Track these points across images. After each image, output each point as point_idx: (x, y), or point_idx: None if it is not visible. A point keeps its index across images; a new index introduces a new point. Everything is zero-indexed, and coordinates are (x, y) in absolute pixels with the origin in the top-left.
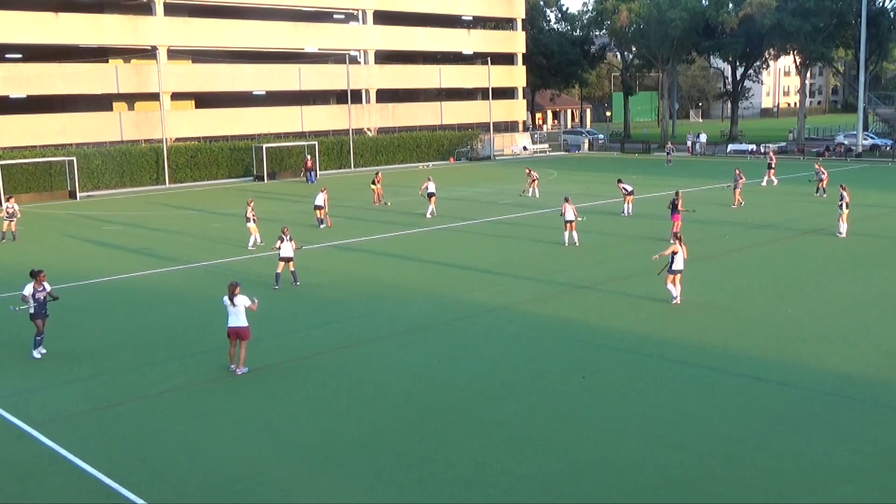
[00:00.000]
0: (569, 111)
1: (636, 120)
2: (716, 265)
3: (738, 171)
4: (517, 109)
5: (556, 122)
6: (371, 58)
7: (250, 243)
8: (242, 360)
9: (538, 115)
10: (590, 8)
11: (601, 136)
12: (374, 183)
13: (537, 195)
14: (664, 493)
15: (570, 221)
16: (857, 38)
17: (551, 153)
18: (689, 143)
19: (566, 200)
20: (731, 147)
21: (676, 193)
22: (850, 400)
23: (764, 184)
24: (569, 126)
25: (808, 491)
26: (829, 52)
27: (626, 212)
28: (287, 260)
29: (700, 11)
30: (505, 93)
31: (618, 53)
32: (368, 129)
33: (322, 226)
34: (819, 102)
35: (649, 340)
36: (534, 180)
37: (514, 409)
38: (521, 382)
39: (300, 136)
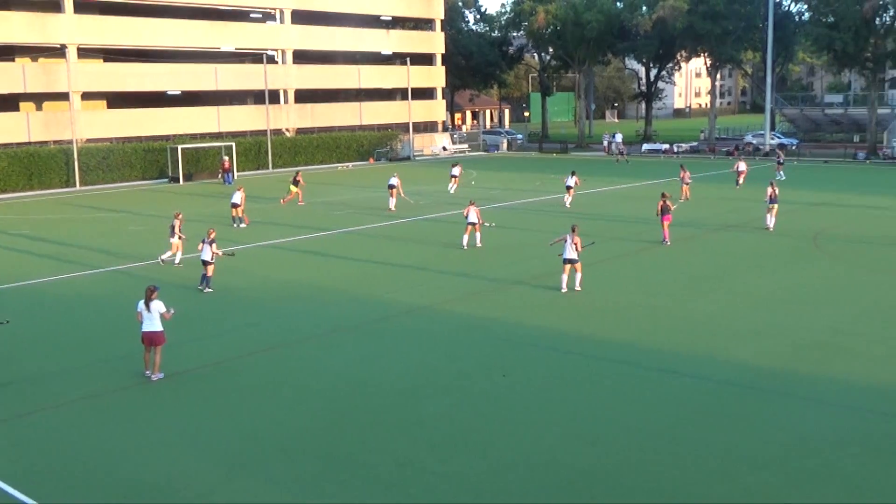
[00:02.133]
0: (488, 111)
1: (554, 120)
2: (631, 262)
3: (682, 168)
4: (436, 110)
5: (475, 122)
6: (289, 57)
7: (166, 255)
8: (158, 366)
9: (457, 116)
10: (507, 9)
11: (520, 136)
12: (294, 183)
13: (451, 192)
14: (582, 488)
15: (473, 224)
16: (764, 41)
17: (471, 153)
18: (605, 143)
19: (471, 203)
20: (645, 146)
21: (663, 195)
22: (759, 391)
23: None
24: (488, 126)
25: (719, 480)
26: (738, 54)
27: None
28: (203, 264)
29: (615, 14)
30: (424, 93)
31: (535, 54)
32: (287, 130)
33: (241, 225)
34: (729, 103)
35: (567, 337)
36: (455, 177)
37: (435, 409)
38: (441, 382)
39: (217, 136)
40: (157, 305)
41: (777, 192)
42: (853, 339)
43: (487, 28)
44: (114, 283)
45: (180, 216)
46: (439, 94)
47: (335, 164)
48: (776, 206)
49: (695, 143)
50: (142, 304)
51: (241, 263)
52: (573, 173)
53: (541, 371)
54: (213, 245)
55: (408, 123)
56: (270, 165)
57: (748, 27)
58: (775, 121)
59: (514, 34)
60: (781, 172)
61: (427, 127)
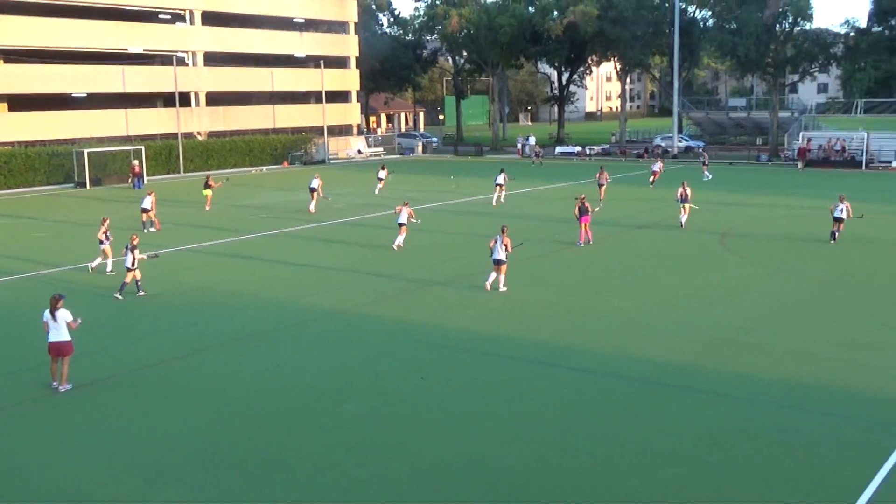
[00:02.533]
0: (402, 114)
1: (468, 123)
2: (548, 262)
3: (602, 169)
4: (351, 113)
5: (390, 125)
6: (200, 59)
7: (95, 263)
8: (65, 377)
9: (372, 119)
10: (421, 13)
11: (435, 139)
12: (206, 186)
13: (376, 193)
14: (502, 488)
15: (403, 224)
16: (670, 47)
17: (386, 156)
18: (519, 146)
19: (404, 204)
20: (558, 149)
21: (582, 197)
22: (671, 388)
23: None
24: (403, 129)
25: (633, 475)
26: (647, 59)
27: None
28: (127, 270)
29: (527, 18)
30: (338, 96)
31: (449, 58)
32: (198, 133)
33: (151, 229)
34: (638, 107)
35: (485, 338)
36: (381, 179)
37: (354, 412)
38: (360, 385)
39: (125, 140)
40: (64, 314)
41: (688, 191)
42: (759, 336)
43: (401, 31)
44: (18, 292)
45: (107, 222)
46: (354, 97)
47: (249, 167)
48: (688, 204)
49: (606, 146)
50: (47, 313)
51: (154, 269)
52: (502, 171)
53: (459, 372)
54: (136, 251)
55: (322, 127)
56: (182, 169)
57: (656, 32)
58: (682, 124)
59: (428, 38)
60: (707, 173)
61: (342, 130)
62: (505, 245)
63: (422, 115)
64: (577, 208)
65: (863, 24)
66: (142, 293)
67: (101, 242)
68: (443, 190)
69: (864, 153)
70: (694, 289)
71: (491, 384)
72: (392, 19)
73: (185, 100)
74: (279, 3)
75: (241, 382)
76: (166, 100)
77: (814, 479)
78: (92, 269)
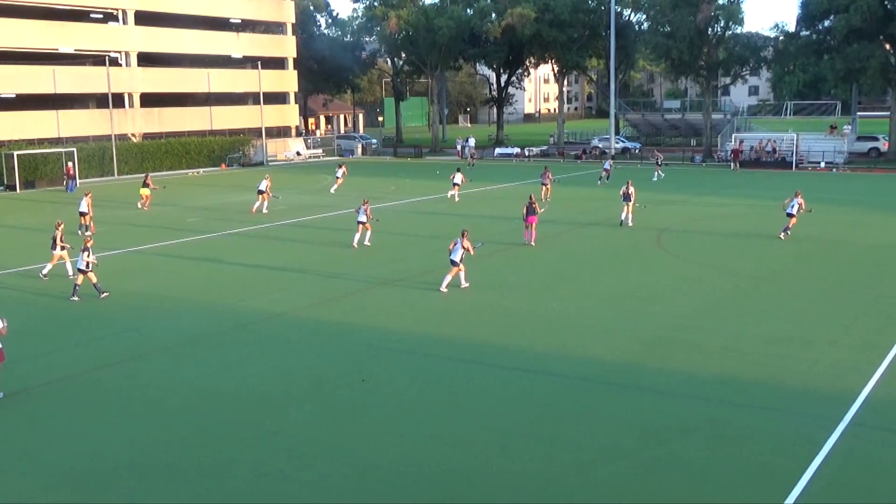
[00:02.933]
0: (342, 116)
1: (408, 125)
2: (489, 263)
3: (546, 169)
4: (289, 114)
5: (329, 127)
6: (133, 60)
7: (46, 269)
8: None
9: (311, 121)
10: (360, 14)
11: (374, 140)
12: (144, 185)
13: (332, 192)
14: (444, 488)
15: (363, 222)
16: (607, 49)
17: (325, 158)
18: (458, 148)
19: (364, 202)
20: (497, 151)
21: (531, 197)
22: (610, 385)
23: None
24: (342, 131)
25: (573, 473)
26: (584, 61)
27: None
28: (79, 272)
29: (466, 20)
30: (277, 97)
31: (388, 59)
32: (133, 135)
33: (87, 232)
34: (576, 108)
35: (426, 339)
36: (339, 178)
37: (294, 417)
38: (300, 389)
39: (56, 142)
40: None
41: (632, 190)
42: (694, 333)
43: (340, 32)
44: None
45: (62, 226)
46: (292, 98)
47: (185, 170)
48: (630, 203)
49: (545, 147)
50: None
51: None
52: (458, 170)
53: (400, 375)
54: (86, 253)
55: (260, 128)
56: (116, 172)
57: (592, 35)
58: (619, 125)
59: (367, 39)
60: (660, 172)
61: (280, 132)
62: (466, 248)
63: (361, 116)
64: (525, 207)
65: (791, 28)
66: (104, 294)
67: (54, 247)
68: (384, 191)
69: (794, 154)
70: (631, 288)
71: (432, 386)
72: (330, 20)
73: (118, 101)
74: (215, 4)
75: (178, 389)
76: (99, 101)
77: (748, 473)
78: (44, 276)
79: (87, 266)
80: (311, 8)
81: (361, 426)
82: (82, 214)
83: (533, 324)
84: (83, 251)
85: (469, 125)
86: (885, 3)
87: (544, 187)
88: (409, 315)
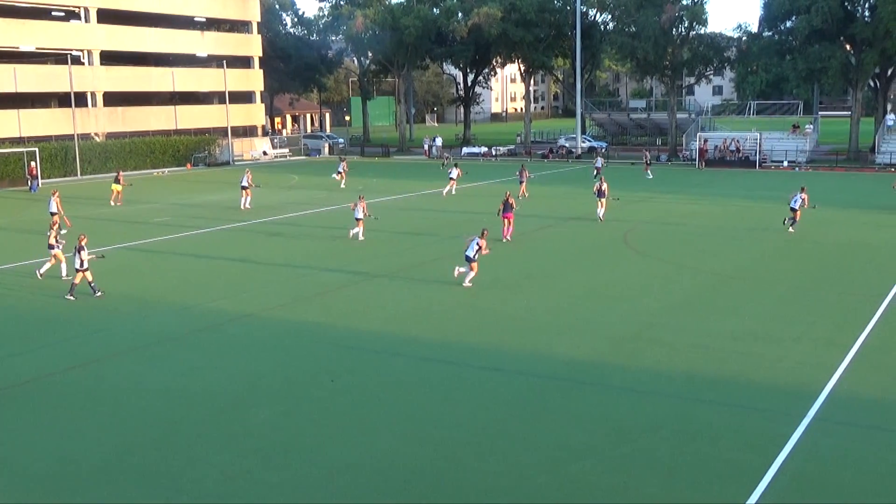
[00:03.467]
0: (308, 115)
1: (375, 124)
2: (457, 262)
3: (523, 167)
4: (255, 114)
5: (295, 126)
6: (96, 58)
7: (43, 269)
8: None
9: (277, 120)
10: (326, 13)
11: (341, 140)
12: (116, 182)
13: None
14: (416, 488)
15: (359, 219)
16: (573, 49)
17: (292, 158)
18: (426, 147)
19: (360, 198)
20: (465, 150)
21: (507, 194)
22: (580, 384)
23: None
24: (308, 130)
25: (543, 471)
26: (550, 60)
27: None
28: (76, 271)
29: (432, 20)
30: (242, 97)
31: (355, 58)
32: (96, 135)
33: (62, 231)
34: (543, 108)
35: (396, 339)
36: (340, 173)
37: (264, 418)
38: (270, 390)
39: (18, 141)
40: None
41: (605, 186)
42: (662, 331)
43: (306, 31)
44: None
45: (56, 226)
46: (258, 97)
47: (150, 169)
48: (604, 199)
49: (512, 147)
50: None
51: (48, 276)
52: (456, 165)
53: (370, 374)
54: (83, 251)
55: (226, 128)
56: (79, 172)
57: (558, 35)
58: (586, 125)
59: (333, 38)
60: (649, 172)
61: (246, 131)
62: (480, 246)
63: (328, 116)
64: (501, 204)
65: (754, 29)
66: (99, 293)
67: (52, 247)
68: (352, 190)
69: (758, 153)
70: (599, 286)
71: (402, 385)
72: (296, 19)
73: (81, 100)
74: (179, 2)
75: (146, 391)
76: (61, 100)
77: (715, 469)
78: (41, 274)
79: (83, 264)
80: (277, 6)
81: (331, 427)
82: (52, 214)
83: (503, 322)
84: (80, 250)
85: (436, 124)
86: (846, 4)
87: (521, 185)
88: (379, 314)
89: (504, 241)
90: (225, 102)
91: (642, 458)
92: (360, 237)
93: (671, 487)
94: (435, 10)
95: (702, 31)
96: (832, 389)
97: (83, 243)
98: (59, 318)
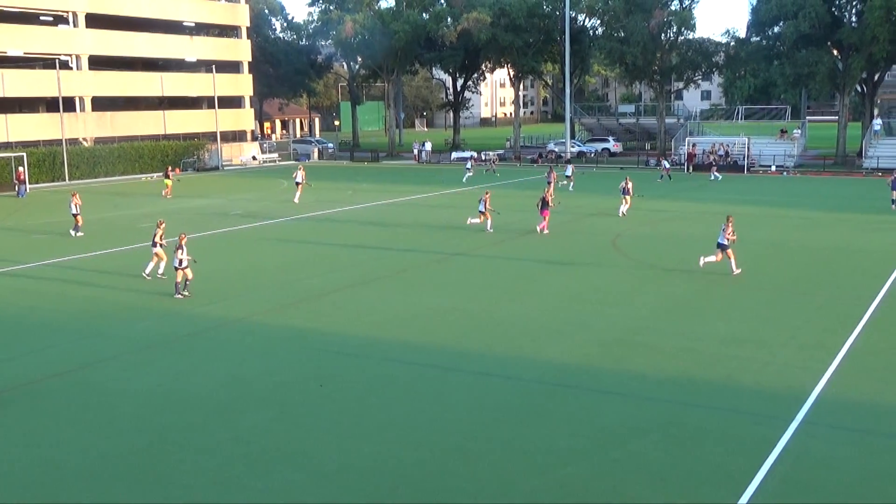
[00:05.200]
0: (297, 120)
1: (364, 129)
2: (446, 266)
3: (551, 168)
4: (244, 118)
5: (284, 131)
6: (84, 63)
7: (149, 268)
8: None
9: (266, 125)
10: (315, 18)
11: (331, 145)
12: (167, 176)
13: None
14: (404, 493)
15: (482, 212)
16: (562, 54)
17: (281, 163)
18: (415, 152)
19: (486, 193)
20: (454, 155)
21: (546, 190)
22: (568, 388)
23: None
24: (298, 135)
25: (534, 475)
26: (539, 65)
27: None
28: (175, 269)
29: (421, 25)
30: (231, 101)
31: (344, 63)
32: (84, 139)
33: (79, 233)
34: (532, 112)
35: (384, 344)
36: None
37: (252, 423)
38: (258, 395)
39: (6, 146)
40: None
41: (630, 185)
42: (650, 335)
43: (295, 36)
44: None
45: (163, 225)
46: (247, 102)
47: (138, 174)
48: (629, 196)
49: (501, 151)
50: None
51: (36, 281)
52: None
53: (358, 379)
54: (181, 251)
55: (215, 133)
56: (67, 177)
57: (547, 40)
58: (575, 130)
59: (323, 43)
60: (669, 175)
61: (235, 136)
62: (724, 231)
63: (317, 120)
64: (539, 201)
65: (742, 34)
66: (185, 293)
67: (155, 245)
68: (342, 195)
69: (746, 158)
70: (588, 290)
71: (391, 390)
72: (285, 24)
73: (69, 105)
74: (168, 7)
75: (133, 396)
76: (49, 104)
77: (704, 473)
78: (146, 274)
79: (182, 263)
80: (266, 11)
81: (320, 432)
82: (74, 216)
83: (490, 327)
84: (177, 248)
85: (425, 129)
86: (833, 9)
87: (549, 185)
88: (367, 319)
89: (544, 233)
90: (214, 107)
91: (632, 463)
92: (489, 229)
93: (661, 491)
94: (424, 14)
95: (690, 36)
96: (820, 393)
97: (183, 242)
98: (47, 323)
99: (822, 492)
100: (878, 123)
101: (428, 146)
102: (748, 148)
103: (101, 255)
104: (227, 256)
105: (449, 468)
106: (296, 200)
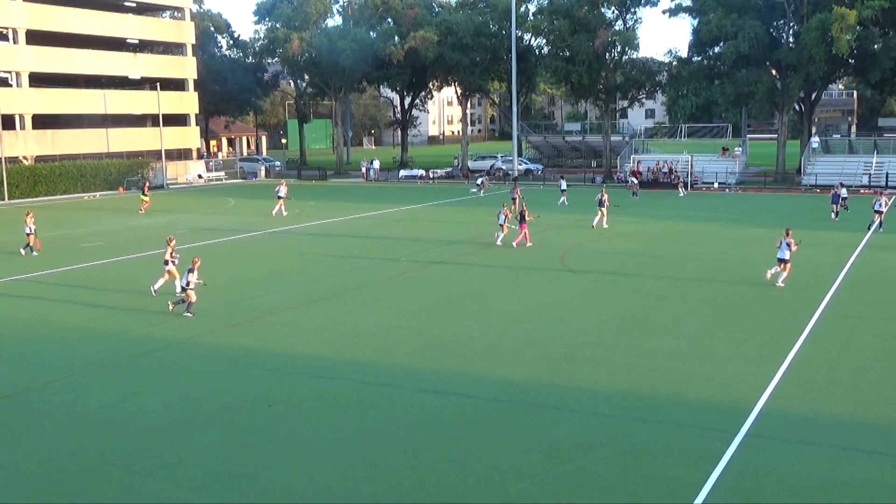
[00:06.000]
0: (244, 138)
1: (312, 147)
2: (395, 284)
3: (515, 186)
4: (190, 136)
5: (231, 149)
6: (25, 80)
7: (158, 284)
8: None
9: (213, 143)
10: (262, 35)
11: (278, 163)
12: (143, 193)
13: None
14: None
15: (501, 224)
16: (508, 73)
17: (228, 181)
18: (363, 170)
19: (518, 197)
20: (402, 173)
21: (522, 205)
22: (517, 404)
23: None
24: (245, 153)
25: (485, 492)
26: (486, 84)
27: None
28: (182, 289)
29: (369, 43)
30: (177, 119)
31: (291, 81)
32: (24, 158)
33: (34, 252)
34: (479, 130)
35: (333, 363)
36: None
37: (198, 445)
38: (204, 416)
39: None
40: None
41: (606, 197)
42: (598, 350)
43: (241, 54)
44: None
45: (173, 242)
46: (192, 120)
47: (81, 193)
48: (604, 208)
49: (449, 169)
50: None
51: None
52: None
53: (308, 399)
54: (192, 273)
55: (160, 151)
56: (6, 196)
57: (494, 59)
58: (522, 147)
59: (269, 61)
60: (636, 194)
61: (181, 154)
62: (789, 244)
63: (264, 138)
64: (518, 215)
65: (684, 54)
66: (188, 314)
67: (167, 263)
68: (288, 216)
69: (689, 175)
70: (537, 306)
71: (340, 409)
72: (231, 42)
73: (8, 122)
74: (112, 24)
75: (74, 420)
76: None
77: (652, 486)
78: (155, 291)
79: (189, 284)
80: (212, 29)
81: (269, 453)
82: (27, 235)
83: (440, 345)
84: (189, 271)
85: (373, 147)
86: (771, 31)
87: (514, 202)
88: (316, 338)
89: (527, 245)
90: (159, 125)
91: (580, 478)
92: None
93: None
94: (372, 33)
95: (634, 56)
96: (763, 405)
97: (196, 266)
98: None
99: (766, 502)
100: (815, 141)
101: (376, 164)
102: (691, 165)
103: (46, 274)
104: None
105: (400, 487)
106: (274, 214)
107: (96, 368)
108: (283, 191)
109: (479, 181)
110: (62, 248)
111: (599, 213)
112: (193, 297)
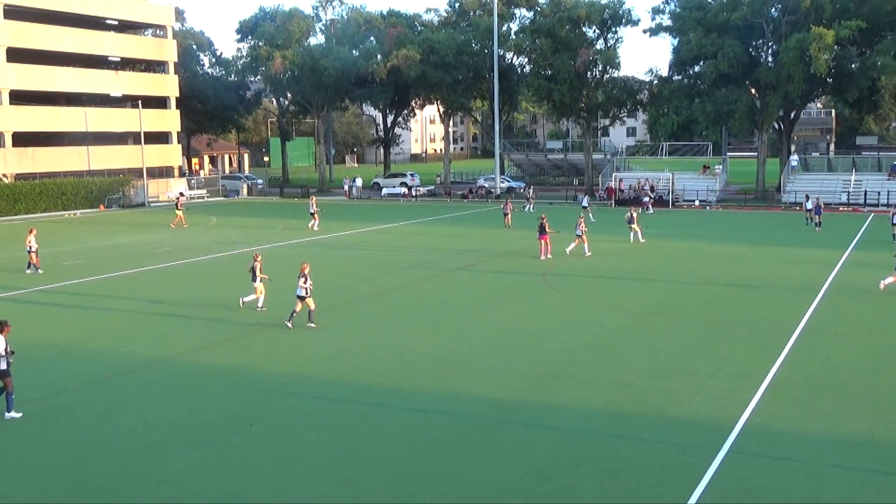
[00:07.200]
0: (227, 156)
1: (294, 165)
2: (377, 302)
3: (507, 200)
4: (172, 154)
5: (213, 167)
6: (5, 98)
7: (248, 298)
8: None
9: (195, 161)
10: (244, 53)
11: (260, 181)
12: (177, 208)
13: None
14: None
15: (579, 236)
16: (491, 91)
17: (210, 199)
18: (346, 188)
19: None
20: (385, 191)
21: (542, 217)
22: (500, 422)
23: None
24: (227, 171)
25: None
26: (468, 102)
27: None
28: (300, 299)
29: (351, 61)
30: (158, 137)
31: (274, 99)
32: (5, 176)
33: (38, 271)
34: (462, 148)
35: (315, 382)
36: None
37: (179, 465)
38: (185, 436)
39: None
40: None
41: (635, 215)
42: (581, 368)
43: (224, 72)
44: None
45: (259, 258)
46: (174, 138)
47: (61, 211)
48: (635, 225)
49: (432, 187)
50: None
51: None
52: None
53: (289, 418)
54: (302, 279)
55: (141, 169)
56: None
57: (476, 77)
58: (504, 165)
59: (252, 79)
60: (650, 208)
61: (162, 172)
62: None
63: (246, 156)
64: (538, 227)
65: (665, 73)
66: (312, 324)
67: (255, 279)
68: (272, 231)
69: (671, 192)
70: (519, 325)
71: (322, 428)
72: (214, 59)
73: None
74: (93, 42)
75: (54, 441)
76: None
77: None
78: (244, 303)
79: (307, 292)
80: (194, 47)
81: (250, 472)
82: (28, 253)
83: (422, 363)
84: (300, 277)
85: (356, 165)
86: (750, 50)
87: (506, 216)
88: (298, 357)
89: (544, 259)
90: (140, 143)
91: (563, 496)
92: (588, 252)
93: None
94: (354, 51)
95: (615, 75)
96: (745, 422)
97: (306, 271)
98: None
99: None
100: (794, 159)
101: (359, 182)
102: (672, 183)
103: (21, 293)
104: (155, 293)
105: None
106: (315, 228)
107: (75, 389)
108: (312, 207)
109: (528, 195)
110: (42, 267)
111: (631, 230)
112: (312, 304)
